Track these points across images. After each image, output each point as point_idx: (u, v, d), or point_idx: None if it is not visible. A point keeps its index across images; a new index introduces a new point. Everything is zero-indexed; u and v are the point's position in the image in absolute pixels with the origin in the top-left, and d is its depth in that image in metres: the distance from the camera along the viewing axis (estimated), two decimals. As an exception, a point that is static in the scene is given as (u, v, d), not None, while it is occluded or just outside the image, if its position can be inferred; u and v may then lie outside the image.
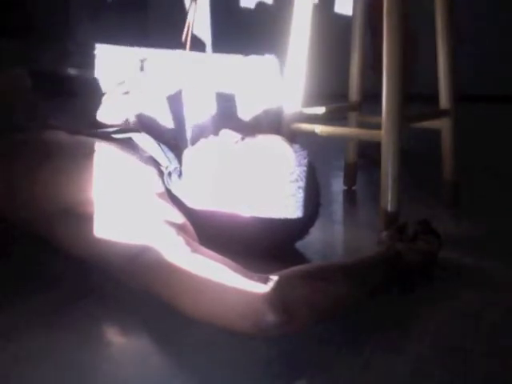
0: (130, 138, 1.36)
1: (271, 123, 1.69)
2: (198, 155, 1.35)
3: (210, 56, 1.51)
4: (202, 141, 1.38)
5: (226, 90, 1.52)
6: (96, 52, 2.12)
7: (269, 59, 1.43)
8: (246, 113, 1.59)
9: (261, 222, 1.30)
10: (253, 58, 1.45)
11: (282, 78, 1.44)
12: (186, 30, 2.06)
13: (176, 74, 1.51)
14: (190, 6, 2.19)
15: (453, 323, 1.11)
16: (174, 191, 1.30)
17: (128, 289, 1.14)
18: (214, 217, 1.31)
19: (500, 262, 1.38)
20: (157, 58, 1.78)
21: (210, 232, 1.28)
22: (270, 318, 0.94)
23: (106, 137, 1.35)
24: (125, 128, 1.41)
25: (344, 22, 2.05)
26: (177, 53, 1.69)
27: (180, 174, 1.33)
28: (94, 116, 1.45)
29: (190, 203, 1.31)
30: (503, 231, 1.60)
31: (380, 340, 1.04)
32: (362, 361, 0.97)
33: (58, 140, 1.29)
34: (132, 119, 1.45)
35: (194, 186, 1.32)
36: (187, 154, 1.36)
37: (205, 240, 1.17)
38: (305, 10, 1.67)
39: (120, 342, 1.08)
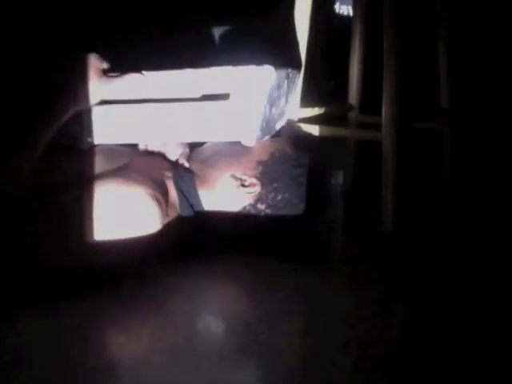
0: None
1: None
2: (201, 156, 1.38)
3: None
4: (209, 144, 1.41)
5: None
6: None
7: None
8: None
9: (263, 218, 1.31)
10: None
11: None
12: None
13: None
14: None
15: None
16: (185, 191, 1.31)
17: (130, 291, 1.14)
18: (221, 217, 1.33)
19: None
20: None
21: (220, 231, 1.34)
22: None
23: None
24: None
25: (344, 23, 2.06)
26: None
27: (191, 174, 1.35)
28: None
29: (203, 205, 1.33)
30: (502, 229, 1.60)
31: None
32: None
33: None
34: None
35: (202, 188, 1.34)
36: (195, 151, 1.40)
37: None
38: (304, 11, 1.67)
39: (120, 341, 1.08)
